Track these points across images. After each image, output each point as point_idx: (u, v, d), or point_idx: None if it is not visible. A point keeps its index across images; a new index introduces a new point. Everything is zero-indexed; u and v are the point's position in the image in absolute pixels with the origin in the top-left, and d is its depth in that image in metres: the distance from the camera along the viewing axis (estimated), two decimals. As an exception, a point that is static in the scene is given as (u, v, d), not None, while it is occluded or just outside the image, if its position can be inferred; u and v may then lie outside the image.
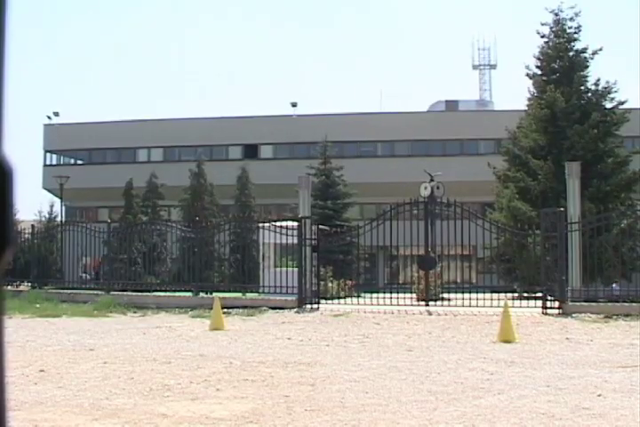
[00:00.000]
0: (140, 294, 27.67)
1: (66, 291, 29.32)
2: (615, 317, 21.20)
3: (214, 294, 25.16)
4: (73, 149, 61.44)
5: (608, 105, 39.05)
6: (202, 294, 27.04)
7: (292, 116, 57.89)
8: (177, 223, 36.35)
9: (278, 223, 27.88)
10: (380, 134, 55.65)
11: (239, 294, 27.39)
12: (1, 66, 1.44)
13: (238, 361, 13.37)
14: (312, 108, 64.85)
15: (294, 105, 58.73)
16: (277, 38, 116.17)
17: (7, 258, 1.39)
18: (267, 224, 28.34)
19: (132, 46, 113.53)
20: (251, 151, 58.30)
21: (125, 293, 27.78)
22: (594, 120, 37.25)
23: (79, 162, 63.19)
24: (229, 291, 27.85)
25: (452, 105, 61.46)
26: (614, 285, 31.52)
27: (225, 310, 21.41)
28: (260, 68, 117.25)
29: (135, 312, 24.67)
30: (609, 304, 23.40)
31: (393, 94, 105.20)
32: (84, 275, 37.51)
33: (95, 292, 28.65)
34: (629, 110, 38.90)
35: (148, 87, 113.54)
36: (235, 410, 9.04)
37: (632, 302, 23.02)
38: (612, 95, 39.12)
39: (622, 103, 38.98)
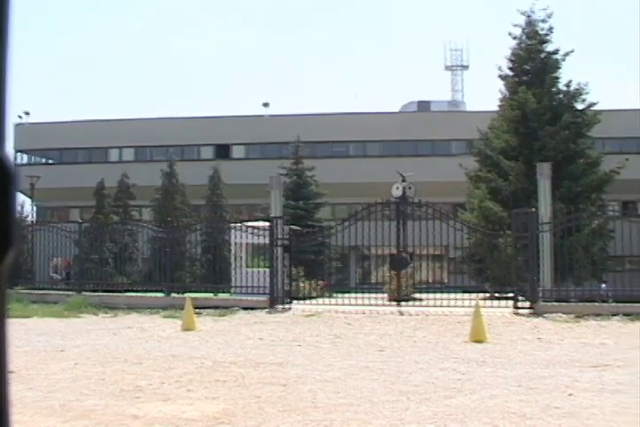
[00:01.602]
0: (111, 294, 27.54)
1: (36, 291, 29.11)
2: (586, 316, 21.32)
3: (186, 295, 25.10)
4: (44, 149, 61.02)
5: (579, 106, 39.32)
6: (173, 295, 26.93)
7: (263, 116, 57.75)
8: (148, 223, 36.25)
9: (250, 223, 27.86)
10: (352, 135, 55.64)
11: (211, 295, 27.34)
12: (3, 68, 1.43)
13: (210, 362, 13.32)
14: (284, 109, 64.74)
15: (266, 105, 58.60)
16: (250, 38, 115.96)
17: (10, 259, 1.39)
18: (238, 224, 28.29)
19: (103, 46, 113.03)
20: (222, 151, 58.12)
21: (96, 293, 27.63)
22: (565, 121, 37.47)
23: (50, 162, 62.77)
24: (201, 291, 27.80)
25: (424, 106, 61.54)
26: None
27: (196, 310, 21.32)
28: (231, 68, 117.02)
29: (106, 313, 24.53)
30: (580, 304, 23.53)
31: (365, 95, 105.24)
32: (54, 275, 37.27)
33: (66, 292, 28.47)
34: (600, 112, 39.14)
35: (119, 87, 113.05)
36: (206, 411, 9.00)
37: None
38: (583, 97, 39.39)
39: (593, 105, 39.25)
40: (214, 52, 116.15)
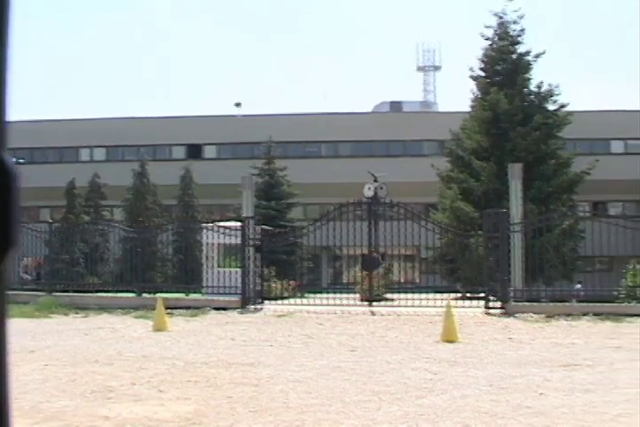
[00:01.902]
0: (82, 294, 27.38)
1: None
2: (557, 316, 21.43)
3: (157, 295, 24.99)
4: (14, 148, 60.16)
5: (550, 107, 39.58)
6: (145, 295, 26.81)
7: (235, 116, 57.68)
8: (119, 223, 36.07)
9: (222, 223, 27.80)
10: (323, 135, 55.66)
11: (182, 295, 27.25)
12: (3, 69, 1.43)
13: (181, 362, 13.28)
14: (256, 109, 64.70)
15: (238, 105, 58.55)
16: (222, 38, 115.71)
17: (11, 258, 1.41)
18: (210, 224, 28.23)
19: (73, 44, 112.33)
20: (194, 151, 57.96)
21: (67, 293, 27.44)
22: (536, 122, 37.69)
23: (20, 161, 62.36)
24: (172, 291, 27.70)
25: (396, 106, 61.66)
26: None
27: (168, 310, 21.24)
28: (204, 68, 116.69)
29: (77, 313, 24.37)
30: (551, 304, 23.67)
31: (337, 95, 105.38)
32: (25, 276, 37.01)
33: (36, 293, 28.26)
34: (571, 113, 39.43)
35: (90, 86, 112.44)
36: (178, 411, 8.97)
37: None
38: (554, 98, 39.67)
39: (564, 106, 39.53)
40: (187, 52, 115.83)
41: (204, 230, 28.46)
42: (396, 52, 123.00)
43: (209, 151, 58.80)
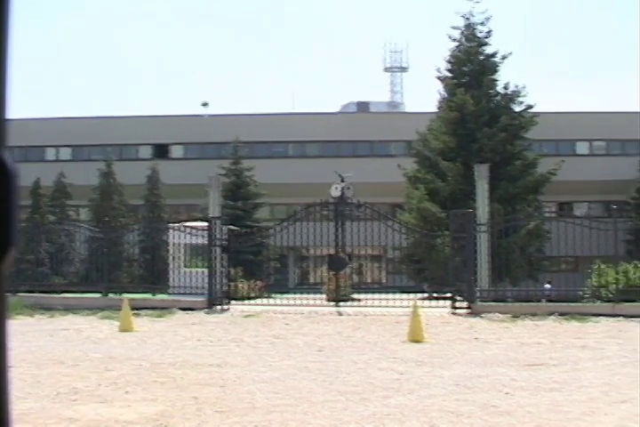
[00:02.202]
0: (47, 295, 27.17)
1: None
2: (522, 316, 21.55)
3: (123, 295, 24.86)
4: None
5: (517, 108, 39.84)
6: (111, 295, 26.68)
7: (203, 116, 57.46)
8: (85, 223, 35.83)
9: (188, 224, 27.71)
10: (291, 135, 55.60)
11: (149, 295, 27.13)
12: (3, 70, 1.42)
13: (147, 363, 13.21)
14: (223, 109, 64.66)
15: (205, 105, 58.36)
16: (189, 37, 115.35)
17: (11, 258, 1.42)
18: (177, 224, 28.13)
19: (38, 42, 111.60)
20: (161, 151, 57.66)
21: (32, 294, 27.22)
22: (502, 123, 37.92)
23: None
24: (139, 292, 27.58)
25: (363, 106, 61.71)
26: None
27: (134, 311, 21.13)
28: (171, 67, 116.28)
29: (42, 314, 24.18)
30: (516, 304, 23.80)
31: (305, 95, 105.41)
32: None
33: (0, 293, 27.98)
34: (538, 114, 39.70)
35: (56, 84, 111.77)
36: (144, 413, 8.92)
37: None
38: (520, 99, 39.94)
39: (531, 107, 39.79)
40: (154, 51, 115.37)
41: (171, 230, 28.37)
42: (364, 52, 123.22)
43: (176, 151, 58.53)
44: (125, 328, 19.27)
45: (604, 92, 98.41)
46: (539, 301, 24.66)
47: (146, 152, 57.86)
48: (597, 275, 24.68)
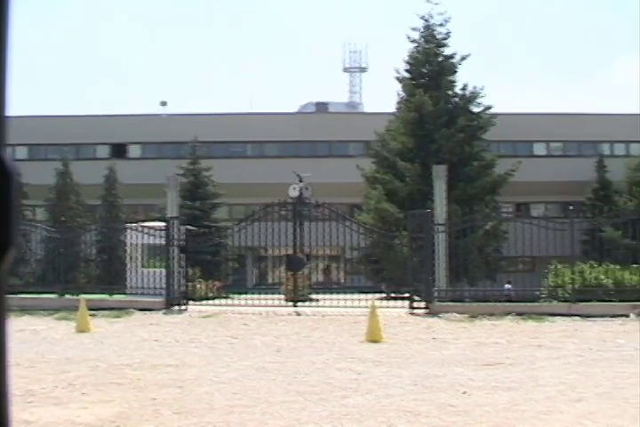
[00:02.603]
0: (2, 296, 26.84)
1: None
2: (480, 316, 21.66)
3: (80, 296, 24.66)
4: None
5: (475, 109, 40.09)
6: (67, 296, 26.44)
7: (161, 115, 57.17)
8: (42, 223, 35.48)
9: (146, 224, 27.55)
10: (249, 135, 55.48)
11: (106, 296, 26.91)
12: (3, 70, 1.40)
13: (104, 364, 13.11)
14: (182, 108, 64.42)
15: (164, 104, 58.09)
16: (147, 36, 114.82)
17: (10, 258, 1.43)
18: (134, 225, 27.96)
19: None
20: (118, 150, 57.25)
21: (-14, 295, 26.89)
22: (460, 124, 38.13)
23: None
24: (96, 292, 27.36)
25: (321, 107, 61.75)
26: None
27: (91, 311, 20.97)
28: (130, 66, 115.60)
29: (-3, 315, 23.89)
30: (474, 304, 23.92)
31: (263, 95, 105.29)
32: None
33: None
34: (495, 115, 39.98)
35: (12, 82, 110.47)
36: (101, 414, 8.85)
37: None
38: (478, 100, 40.18)
39: (489, 108, 40.06)
40: (112, 50, 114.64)
41: (129, 231, 28.18)
42: (323, 52, 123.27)
43: (133, 151, 58.17)
44: (82, 329, 19.12)
45: (562, 94, 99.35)
46: (500, 301, 24.77)
47: (103, 152, 57.43)
48: (554, 275, 24.88)
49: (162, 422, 8.48)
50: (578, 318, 21.23)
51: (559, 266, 24.79)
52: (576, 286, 23.48)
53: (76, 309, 20.82)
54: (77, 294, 26.19)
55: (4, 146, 1.43)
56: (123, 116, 56.07)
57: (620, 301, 22.70)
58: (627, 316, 21.18)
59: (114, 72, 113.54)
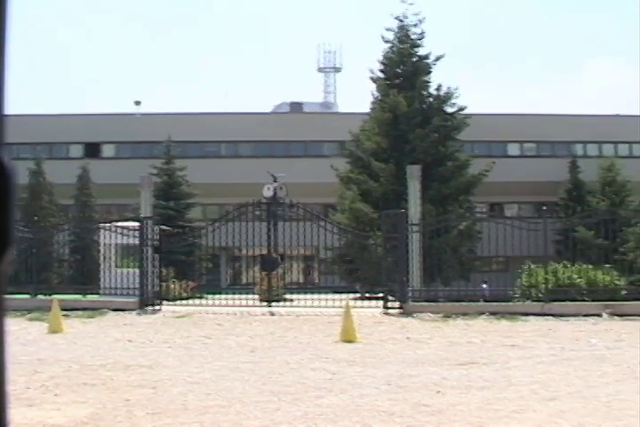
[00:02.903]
0: (-27, 296, 26.65)
1: None
2: (454, 316, 21.71)
3: (53, 296, 24.52)
4: None
5: (449, 110, 40.20)
6: (40, 296, 26.29)
7: (134, 114, 56.93)
8: (14, 223, 35.23)
9: (120, 224, 27.43)
10: (223, 135, 55.37)
11: (79, 296, 26.78)
12: (1, 71, 1.41)
13: (77, 365, 13.04)
14: (156, 107, 64.16)
15: (138, 103, 57.83)
16: (122, 35, 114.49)
17: (9, 258, 1.43)
18: (108, 225, 27.82)
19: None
20: (92, 150, 56.96)
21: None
22: (435, 124, 38.22)
23: None
24: (69, 293, 27.21)
25: (296, 107, 61.75)
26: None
27: (64, 312, 20.86)
28: (104, 65, 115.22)
29: (-32, 316, 23.71)
30: (448, 304, 23.97)
31: (237, 95, 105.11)
32: None
33: None
34: (469, 115, 40.11)
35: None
36: (73, 415, 8.80)
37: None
38: (453, 100, 40.29)
39: (463, 109, 40.17)
40: (86, 48, 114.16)
41: (102, 231, 28.04)
42: (297, 52, 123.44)
43: (107, 150, 57.91)
44: (55, 330, 19.00)
45: (535, 95, 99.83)
46: (474, 300, 24.83)
47: (76, 151, 57.13)
48: (527, 275, 24.96)
49: (135, 422, 8.44)
50: (551, 317, 21.33)
51: (532, 266, 24.86)
52: (549, 286, 23.58)
53: (48, 309, 20.69)
54: (50, 295, 26.04)
55: (2, 145, 1.43)
56: (96, 116, 55.78)
57: (593, 300, 22.84)
58: (599, 315, 21.31)
59: (87, 71, 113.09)
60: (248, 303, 24.85)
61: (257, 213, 27.73)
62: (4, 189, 1.38)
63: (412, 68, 40.07)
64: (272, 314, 23.04)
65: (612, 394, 9.96)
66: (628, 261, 31.83)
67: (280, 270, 28.26)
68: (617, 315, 21.35)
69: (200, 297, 27.19)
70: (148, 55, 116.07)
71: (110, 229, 27.00)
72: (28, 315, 23.21)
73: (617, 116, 57.01)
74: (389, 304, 23.38)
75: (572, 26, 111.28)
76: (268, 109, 62.98)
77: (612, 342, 16.17)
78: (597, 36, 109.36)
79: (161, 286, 26.03)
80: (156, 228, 26.23)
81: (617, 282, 24.85)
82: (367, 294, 27.73)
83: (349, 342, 16.47)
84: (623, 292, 24.55)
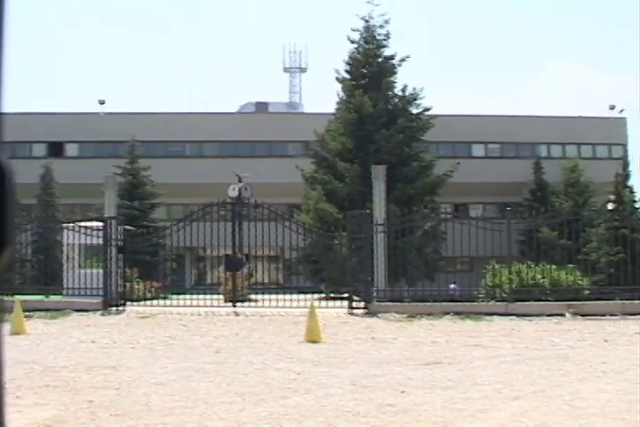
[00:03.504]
0: None
1: None
2: (419, 316, 21.78)
3: (15, 297, 24.29)
4: None
5: (414, 111, 40.36)
6: (2, 297, 26.01)
7: (99, 114, 56.56)
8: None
9: (83, 224, 27.26)
10: (188, 135, 55.19)
11: (42, 297, 26.57)
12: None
13: (40, 366, 12.92)
14: (120, 107, 63.67)
15: (102, 103, 57.44)
16: (86, 34, 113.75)
17: (7, 257, 1.44)
18: (71, 224, 27.63)
19: None
20: (55, 149, 56.54)
21: None
22: (400, 125, 38.33)
23: None
24: (31, 293, 26.97)
25: (261, 107, 61.66)
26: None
27: (26, 313, 20.69)
28: (67, 64, 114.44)
29: None
30: (413, 304, 24.04)
31: (202, 94, 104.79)
32: None
33: None
34: (434, 116, 40.29)
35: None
36: (36, 418, 8.71)
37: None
38: (418, 101, 40.42)
39: (428, 109, 40.35)
40: (48, 46, 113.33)
41: (65, 231, 27.85)
42: (263, 52, 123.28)
43: (71, 149, 57.49)
44: (17, 331, 18.82)
45: (499, 96, 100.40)
46: (438, 301, 24.90)
47: (39, 150, 56.66)
48: (492, 275, 25.09)
49: (98, 424, 8.38)
50: (515, 317, 21.47)
51: (497, 266, 25.00)
52: (513, 286, 23.72)
53: (10, 310, 20.51)
54: (12, 296, 25.79)
55: (2, 150, 1.41)
56: (60, 115, 55.36)
57: (556, 300, 23.02)
58: (562, 315, 21.48)
59: (51, 70, 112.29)
60: (213, 304, 24.79)
61: (222, 213, 27.67)
62: (2, 188, 1.37)
63: (377, 68, 40.16)
64: (237, 314, 23.00)
65: (575, 393, 10.02)
66: (591, 261, 32.14)
67: (245, 271, 28.22)
68: (580, 315, 21.54)
69: (164, 297, 27.06)
70: (113, 54, 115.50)
71: (74, 229, 26.83)
72: (-10, 316, 22.96)
73: (580, 117, 57.51)
74: (354, 304, 23.41)
75: (535, 26, 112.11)
76: (234, 109, 62.86)
77: (574, 342, 16.29)
78: (560, 37, 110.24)
79: (125, 286, 25.89)
80: (120, 228, 26.09)
81: (580, 282, 25.07)
82: (332, 295, 27.73)
83: (314, 342, 16.46)
84: (586, 292, 24.79)
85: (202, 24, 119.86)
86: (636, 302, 23.04)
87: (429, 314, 21.97)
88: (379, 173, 27.90)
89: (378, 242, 24.98)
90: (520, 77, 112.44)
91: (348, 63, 41.05)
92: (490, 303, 23.48)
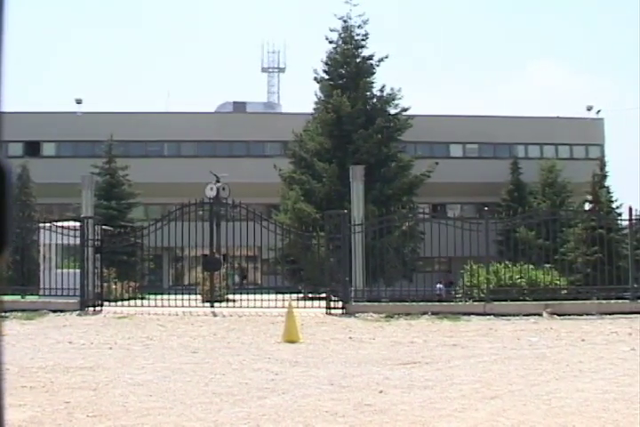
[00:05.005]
0: None
1: None
2: (397, 316, 21.80)
3: (-9, 297, 24.17)
4: None
5: (392, 111, 40.43)
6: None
7: (76, 113, 56.32)
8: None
9: (60, 223, 27.12)
10: (166, 134, 55.06)
11: (18, 297, 26.40)
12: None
13: (16, 367, 12.83)
14: (97, 106, 63.49)
15: (79, 102, 57.18)
16: (62, 33, 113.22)
17: (5, 257, 1.41)
18: (48, 224, 27.49)
19: None
20: (32, 148, 56.23)
21: None
22: (378, 125, 38.36)
23: None
24: (7, 294, 26.81)
25: (239, 106, 61.55)
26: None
27: (2, 313, 20.54)
28: (44, 62, 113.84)
29: None
30: (390, 304, 24.06)
31: (180, 94, 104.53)
32: None
33: None
34: (412, 117, 40.36)
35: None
36: (11, 419, 8.63)
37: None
38: (396, 102, 40.49)
39: (406, 110, 40.42)
40: (25, 44, 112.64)
41: (42, 230, 27.70)
42: (241, 52, 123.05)
43: (48, 149, 57.21)
44: (-7, 331, 18.71)
45: (477, 97, 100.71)
46: (416, 301, 24.92)
47: (16, 149, 56.25)
48: (469, 275, 25.17)
49: (75, 425, 8.33)
50: (493, 317, 21.56)
51: (474, 266, 25.07)
52: (491, 286, 23.81)
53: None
54: (-12, 296, 25.66)
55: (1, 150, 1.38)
56: (36, 114, 55.04)
57: (534, 300, 23.13)
58: (540, 315, 21.57)
59: (27, 68, 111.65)
60: (190, 304, 24.73)
61: (199, 213, 27.60)
62: (2, 189, 1.34)
63: (355, 68, 40.21)
64: (215, 315, 22.95)
65: (552, 392, 10.07)
66: (568, 261, 32.31)
67: (222, 271, 28.17)
68: (557, 314, 21.64)
69: (142, 298, 26.97)
70: (90, 53, 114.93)
71: (50, 229, 26.69)
72: (-35, 317, 22.84)
73: (558, 118, 57.79)
74: (332, 304, 23.41)
75: (515, 27, 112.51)
76: (212, 109, 62.72)
77: (552, 341, 16.37)
78: (539, 38, 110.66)
79: (102, 286, 25.78)
80: (97, 228, 25.98)
81: (557, 282, 25.21)
82: (310, 295, 27.69)
83: (292, 342, 16.45)
84: (563, 291, 24.92)
85: (180, 23, 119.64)
86: (613, 301, 23.20)
87: (407, 314, 22.00)
88: (357, 173, 27.91)
89: (356, 242, 24.99)
90: (499, 78, 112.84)
91: (326, 63, 41.08)
92: (468, 303, 23.56)
